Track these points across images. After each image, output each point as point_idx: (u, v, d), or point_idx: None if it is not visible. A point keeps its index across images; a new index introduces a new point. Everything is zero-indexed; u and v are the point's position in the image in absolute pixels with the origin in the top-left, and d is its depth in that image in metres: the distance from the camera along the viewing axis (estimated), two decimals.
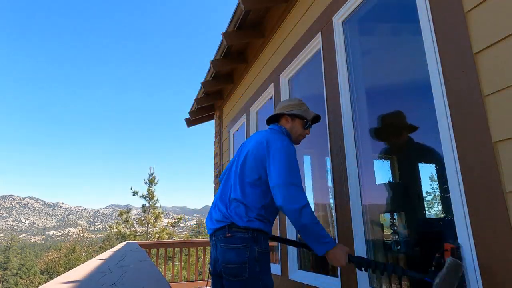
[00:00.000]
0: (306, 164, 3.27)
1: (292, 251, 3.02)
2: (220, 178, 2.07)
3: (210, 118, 6.55)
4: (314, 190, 3.08)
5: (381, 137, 2.33)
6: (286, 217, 3.13)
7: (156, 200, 23.91)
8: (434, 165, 1.83)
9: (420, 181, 1.90)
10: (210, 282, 1.95)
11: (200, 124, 6.81)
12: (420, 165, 1.97)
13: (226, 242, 1.67)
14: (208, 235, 1.87)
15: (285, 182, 1.61)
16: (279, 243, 3.25)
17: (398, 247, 2.04)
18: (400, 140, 2.18)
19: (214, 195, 2.02)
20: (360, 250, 2.09)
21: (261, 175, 1.74)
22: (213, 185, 5.86)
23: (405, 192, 2.06)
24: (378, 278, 2.02)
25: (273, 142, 1.75)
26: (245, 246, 1.64)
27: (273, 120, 2.06)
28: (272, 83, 3.61)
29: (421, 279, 1.47)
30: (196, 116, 6.33)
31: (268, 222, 1.78)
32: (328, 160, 2.58)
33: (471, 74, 1.44)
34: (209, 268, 1.94)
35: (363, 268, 1.63)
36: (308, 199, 1.62)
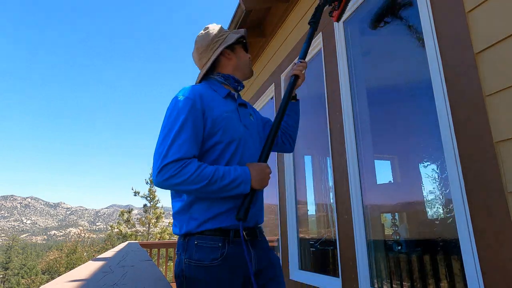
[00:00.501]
0: (307, 164, 3.27)
1: (292, 251, 3.02)
2: None
3: None
4: (315, 190, 3.08)
5: (382, 137, 2.33)
6: (286, 213, 3.14)
7: (157, 200, 23.94)
8: (435, 164, 1.83)
9: (421, 181, 1.90)
10: None
11: None
12: (421, 165, 1.97)
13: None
14: None
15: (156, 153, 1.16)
16: (279, 245, 3.25)
17: (399, 247, 2.04)
18: (401, 140, 2.17)
19: None
20: (361, 250, 2.08)
21: None
22: None
23: (406, 192, 2.06)
24: (379, 278, 2.02)
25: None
26: (177, 254, 1.23)
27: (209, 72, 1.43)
28: (273, 84, 3.62)
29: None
30: None
31: (195, 219, 1.20)
32: (329, 160, 2.58)
33: (472, 74, 1.44)
34: None
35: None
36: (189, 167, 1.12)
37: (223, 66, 1.42)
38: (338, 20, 1.84)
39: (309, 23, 1.60)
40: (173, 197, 1.29)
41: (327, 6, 1.73)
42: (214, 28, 1.44)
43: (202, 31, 1.45)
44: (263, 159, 1.28)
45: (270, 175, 1.25)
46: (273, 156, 3.52)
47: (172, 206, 1.28)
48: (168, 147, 1.13)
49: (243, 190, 1.17)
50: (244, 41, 1.49)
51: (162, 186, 1.14)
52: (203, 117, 1.22)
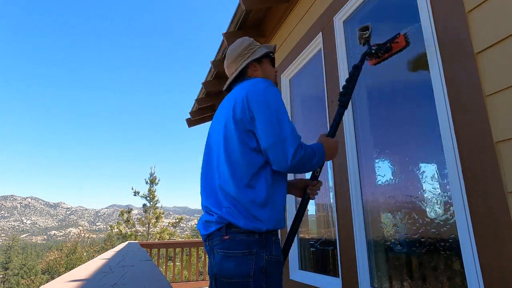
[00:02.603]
0: None
1: (293, 252, 3.02)
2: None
3: (211, 118, 6.55)
4: None
5: (382, 137, 2.33)
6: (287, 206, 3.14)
7: (157, 200, 23.93)
8: (435, 164, 1.83)
9: (422, 181, 1.90)
10: None
11: (201, 124, 6.82)
12: (421, 164, 1.97)
13: (223, 248, 1.27)
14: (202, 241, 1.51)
15: (283, 140, 1.28)
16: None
17: (399, 247, 2.04)
18: (401, 140, 2.17)
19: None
20: (361, 250, 2.09)
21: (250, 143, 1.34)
22: None
23: (406, 192, 2.06)
24: (379, 278, 2.02)
25: (250, 93, 1.36)
26: (249, 253, 1.24)
27: (236, 80, 1.57)
28: None
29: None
30: (197, 116, 6.34)
31: (279, 212, 1.34)
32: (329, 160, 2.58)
33: (473, 74, 1.44)
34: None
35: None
36: (303, 148, 1.31)
37: (250, 76, 1.54)
38: (374, 63, 1.87)
39: (338, 101, 1.64)
40: (245, 187, 1.30)
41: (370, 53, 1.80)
42: (245, 41, 1.61)
43: (235, 43, 1.62)
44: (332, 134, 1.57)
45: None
46: None
47: (242, 197, 1.29)
48: (291, 131, 1.30)
49: (323, 162, 1.41)
50: (272, 55, 1.62)
51: (296, 165, 1.28)
52: None
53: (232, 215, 1.27)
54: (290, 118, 1.39)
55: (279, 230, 1.64)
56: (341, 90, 1.69)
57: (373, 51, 1.74)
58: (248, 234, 1.26)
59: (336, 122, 1.60)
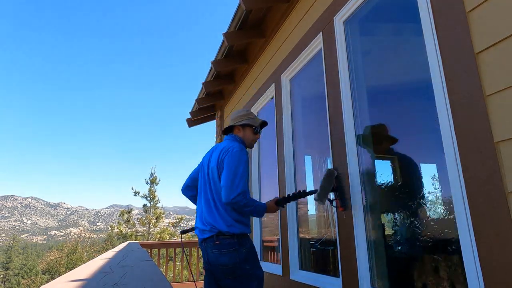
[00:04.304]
0: (307, 164, 3.27)
1: (293, 252, 3.02)
2: (184, 189, 2.44)
3: (211, 118, 6.55)
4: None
5: (382, 137, 2.33)
6: (286, 214, 3.14)
7: (157, 200, 23.92)
8: (436, 164, 1.83)
9: (422, 181, 1.90)
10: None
11: (201, 124, 6.82)
12: (421, 165, 1.97)
13: (217, 248, 1.97)
14: (199, 242, 2.17)
15: (230, 186, 1.97)
16: (279, 245, 3.25)
17: (399, 247, 2.04)
18: (401, 140, 2.17)
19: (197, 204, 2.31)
20: (361, 250, 2.08)
21: None
22: None
23: (406, 192, 2.06)
24: (379, 278, 2.02)
25: (227, 150, 2.10)
26: (234, 250, 1.96)
27: (228, 131, 2.39)
28: (274, 83, 3.62)
29: (314, 191, 2.24)
30: (197, 116, 6.34)
31: (247, 224, 2.10)
32: (329, 160, 2.58)
33: (473, 74, 1.44)
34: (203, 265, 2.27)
35: (285, 205, 2.29)
36: (244, 197, 1.97)
37: (234, 134, 2.34)
38: (344, 209, 2.27)
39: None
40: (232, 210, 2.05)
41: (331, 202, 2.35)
42: (244, 111, 2.39)
43: (241, 110, 2.42)
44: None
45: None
46: (273, 156, 3.52)
47: (231, 214, 2.04)
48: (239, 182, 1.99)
49: (261, 215, 2.16)
50: (255, 128, 2.33)
51: (232, 204, 1.98)
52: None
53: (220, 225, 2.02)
54: (246, 176, 2.04)
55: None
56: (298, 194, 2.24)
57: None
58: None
59: (292, 197, 2.23)
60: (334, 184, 2.26)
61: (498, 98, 1.35)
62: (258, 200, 2.14)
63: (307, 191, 2.26)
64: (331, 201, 2.32)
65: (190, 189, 2.41)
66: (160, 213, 23.58)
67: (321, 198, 2.18)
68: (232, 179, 1.97)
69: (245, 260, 1.98)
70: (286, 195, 2.25)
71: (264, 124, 2.43)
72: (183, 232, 2.54)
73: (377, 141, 2.30)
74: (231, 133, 2.35)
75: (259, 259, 2.47)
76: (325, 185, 2.23)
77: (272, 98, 3.74)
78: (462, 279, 1.50)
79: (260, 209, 2.10)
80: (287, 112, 3.36)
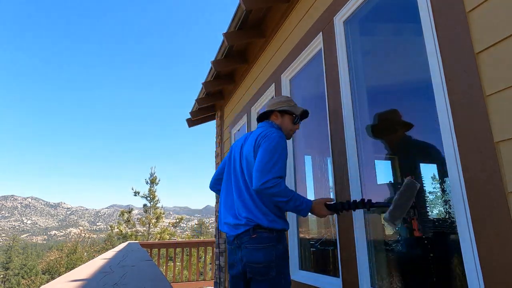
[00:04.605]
0: (307, 164, 3.27)
1: (293, 252, 3.02)
2: (213, 184, 2.22)
3: (211, 118, 6.55)
4: (315, 190, 3.08)
5: (382, 137, 2.33)
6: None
7: (158, 200, 23.92)
8: (435, 164, 1.83)
9: (422, 181, 1.90)
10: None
11: (201, 124, 6.82)
12: (421, 165, 1.97)
13: (252, 243, 1.75)
14: (227, 240, 1.96)
15: (263, 169, 1.72)
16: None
17: (399, 247, 2.04)
18: (401, 140, 2.18)
19: (219, 199, 2.06)
20: (361, 250, 2.09)
21: None
22: None
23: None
24: (379, 278, 2.02)
25: (265, 135, 1.87)
26: (271, 245, 1.75)
27: (263, 118, 2.18)
28: (274, 83, 3.62)
29: (386, 205, 1.67)
30: (198, 116, 6.34)
31: (286, 220, 1.89)
32: (329, 160, 2.58)
33: (473, 74, 1.44)
34: (228, 272, 2.00)
35: (339, 212, 1.86)
36: (278, 184, 1.71)
37: (271, 120, 2.14)
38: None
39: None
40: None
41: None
42: (285, 97, 2.21)
43: (281, 96, 2.26)
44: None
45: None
46: None
47: (270, 206, 1.83)
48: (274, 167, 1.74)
49: (304, 214, 1.82)
50: (295, 117, 2.13)
51: (263, 192, 1.71)
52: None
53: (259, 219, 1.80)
54: (282, 162, 1.79)
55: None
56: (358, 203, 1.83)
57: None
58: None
59: (348, 207, 1.83)
60: (414, 201, 1.61)
61: (498, 98, 1.35)
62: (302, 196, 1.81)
63: (373, 202, 1.75)
64: (405, 222, 1.75)
65: (220, 182, 2.19)
66: (160, 213, 23.58)
67: (394, 218, 1.55)
68: (266, 161, 1.71)
69: (282, 259, 1.78)
70: (347, 201, 1.85)
71: (305, 114, 2.20)
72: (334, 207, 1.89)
73: (391, 128, 2.16)
74: (266, 120, 2.13)
75: None
76: (403, 202, 1.57)
77: (272, 98, 3.74)
78: (462, 278, 1.50)
79: (301, 206, 1.75)
80: None
